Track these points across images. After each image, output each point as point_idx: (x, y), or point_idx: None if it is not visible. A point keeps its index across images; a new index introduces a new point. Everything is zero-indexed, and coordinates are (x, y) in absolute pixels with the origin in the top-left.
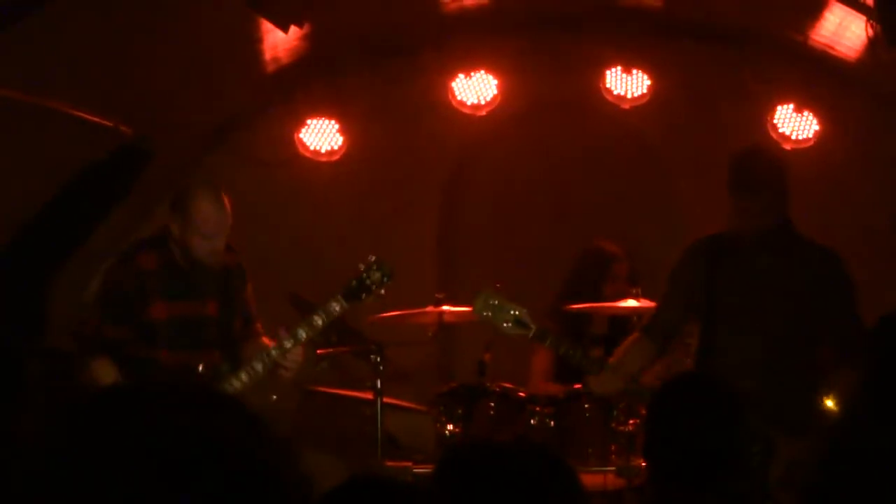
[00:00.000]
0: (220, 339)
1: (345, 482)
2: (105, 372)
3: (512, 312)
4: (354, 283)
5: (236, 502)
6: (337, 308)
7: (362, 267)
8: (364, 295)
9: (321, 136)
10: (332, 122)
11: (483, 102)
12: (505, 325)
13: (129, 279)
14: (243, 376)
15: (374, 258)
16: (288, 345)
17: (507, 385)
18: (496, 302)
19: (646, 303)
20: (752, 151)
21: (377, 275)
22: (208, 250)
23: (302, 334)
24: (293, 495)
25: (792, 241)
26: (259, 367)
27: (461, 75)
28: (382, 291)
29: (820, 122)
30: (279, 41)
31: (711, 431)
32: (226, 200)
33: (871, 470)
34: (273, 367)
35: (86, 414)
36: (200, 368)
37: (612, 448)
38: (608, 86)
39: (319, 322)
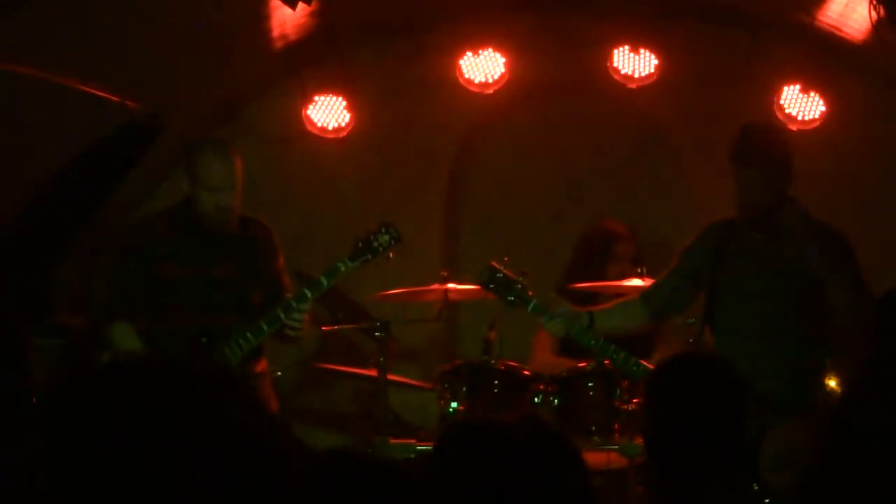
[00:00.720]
0: (235, 303)
1: (321, 456)
2: (126, 337)
3: (517, 286)
4: (361, 244)
5: (225, 476)
6: (342, 268)
7: (371, 229)
8: (370, 256)
9: (328, 113)
10: (340, 99)
11: (491, 81)
12: (509, 298)
13: (142, 242)
14: (249, 335)
15: (384, 223)
16: (294, 304)
17: (512, 363)
18: (501, 275)
19: (651, 282)
20: (756, 124)
21: (385, 237)
22: (215, 205)
23: (307, 294)
24: (283, 468)
25: (798, 221)
26: (265, 325)
27: (469, 53)
28: (390, 254)
29: (826, 104)
30: (287, 17)
31: (709, 412)
32: (235, 157)
33: (872, 448)
34: (279, 329)
35: (78, 394)
36: (204, 340)
37: (616, 427)
38: (615, 65)
39: (325, 282)
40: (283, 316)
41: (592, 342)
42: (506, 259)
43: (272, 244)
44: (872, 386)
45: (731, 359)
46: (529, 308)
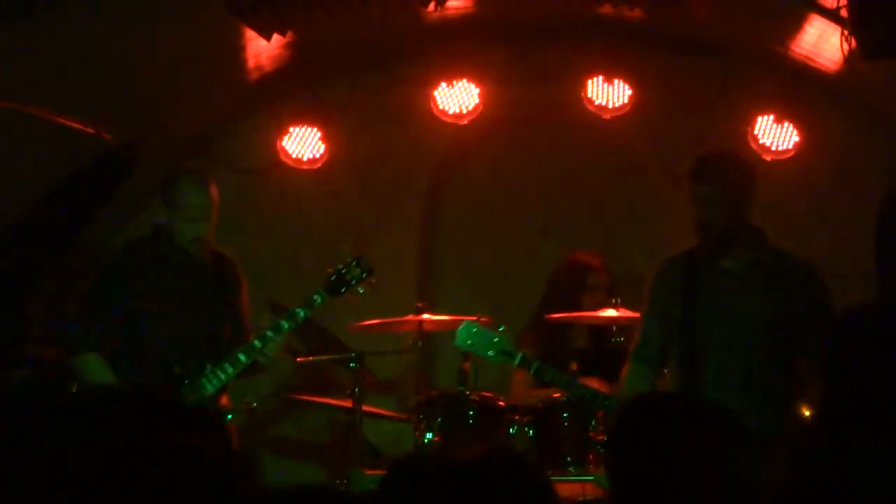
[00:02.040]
0: (209, 335)
1: (283, 493)
2: (96, 368)
3: (495, 340)
4: (334, 276)
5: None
6: (318, 300)
7: (342, 263)
8: (343, 289)
9: (303, 144)
10: (315, 130)
11: (465, 111)
12: (489, 353)
13: (117, 274)
14: (227, 367)
15: (355, 256)
16: (270, 335)
17: (487, 394)
18: (477, 331)
19: (626, 312)
20: (718, 149)
21: (356, 270)
22: (192, 236)
23: (284, 325)
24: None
25: (763, 252)
26: (242, 357)
27: (443, 84)
28: (361, 289)
29: (800, 134)
30: (262, 49)
31: (669, 448)
32: (211, 187)
33: (840, 474)
34: (254, 361)
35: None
36: (177, 370)
37: (591, 457)
38: (589, 95)
39: (301, 314)
40: (259, 346)
41: (587, 396)
42: (479, 317)
43: (238, 279)
44: (833, 409)
45: (712, 391)
46: (516, 362)
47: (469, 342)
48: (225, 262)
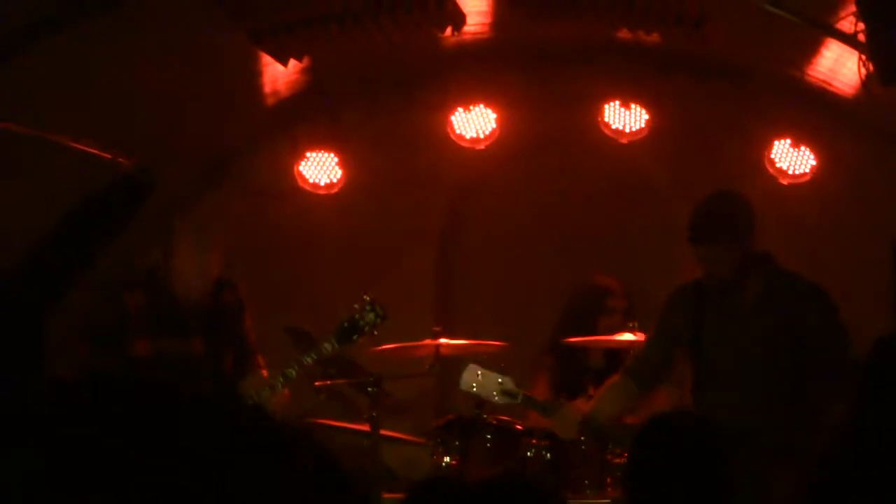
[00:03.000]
0: (210, 374)
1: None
2: None
3: (498, 381)
4: (346, 324)
5: None
6: (329, 348)
7: (356, 307)
8: (356, 336)
9: (320, 169)
10: (332, 155)
11: (482, 136)
12: (494, 396)
13: (113, 316)
14: None
15: (368, 298)
16: (278, 385)
17: (504, 418)
18: (481, 375)
19: (642, 336)
20: (706, 200)
21: (370, 315)
22: (184, 291)
23: (292, 373)
24: None
25: (772, 279)
26: (264, 395)
27: (460, 109)
28: (375, 332)
29: (817, 157)
30: (279, 74)
31: (692, 472)
32: (213, 245)
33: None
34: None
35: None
36: None
37: (608, 480)
38: (606, 120)
39: (310, 361)
40: (264, 396)
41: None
42: (483, 357)
43: (241, 307)
44: (855, 433)
45: (728, 417)
46: (520, 401)
47: (473, 386)
48: (226, 292)
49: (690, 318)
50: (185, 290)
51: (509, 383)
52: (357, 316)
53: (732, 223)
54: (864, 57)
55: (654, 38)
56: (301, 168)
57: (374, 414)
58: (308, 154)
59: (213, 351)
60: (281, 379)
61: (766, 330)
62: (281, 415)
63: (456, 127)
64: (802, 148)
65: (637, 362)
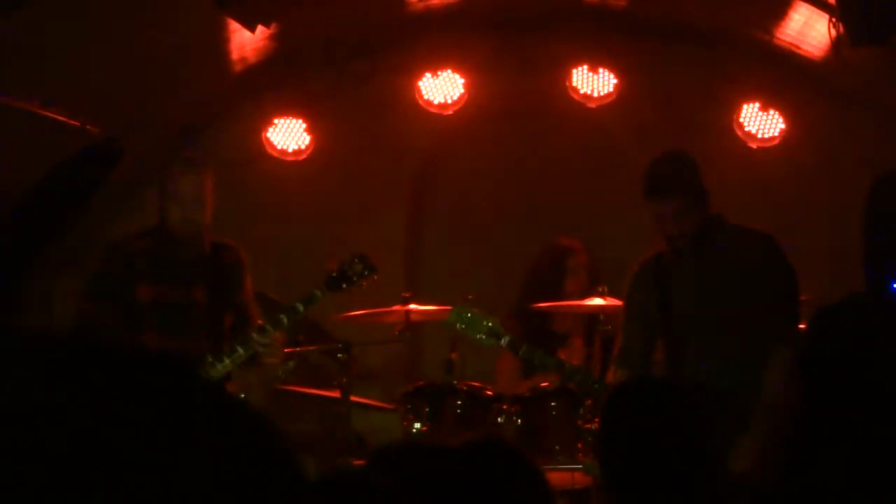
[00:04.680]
0: (208, 327)
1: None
2: None
3: (486, 324)
4: (335, 274)
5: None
6: (319, 295)
7: (344, 259)
8: (345, 285)
9: (288, 135)
10: (300, 121)
11: (450, 102)
12: (479, 336)
13: (117, 262)
14: (226, 360)
15: (359, 253)
16: (270, 328)
17: (474, 384)
18: (470, 314)
19: (612, 301)
20: (662, 157)
21: (359, 266)
22: (180, 218)
23: (284, 320)
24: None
25: (725, 236)
26: (241, 349)
27: (428, 74)
28: (363, 284)
29: (785, 121)
30: (246, 41)
31: (661, 434)
32: (207, 174)
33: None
34: (254, 354)
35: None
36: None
37: (579, 446)
38: (574, 84)
39: (301, 308)
40: (258, 339)
41: (582, 380)
42: (470, 297)
43: (242, 267)
44: (801, 414)
45: (705, 377)
46: (505, 344)
47: (461, 324)
48: (226, 252)
49: (655, 291)
50: (180, 214)
51: (497, 325)
52: (346, 266)
53: (690, 178)
54: (834, 18)
55: (622, 2)
56: (269, 134)
57: (343, 380)
58: (276, 120)
59: (214, 302)
60: (274, 323)
61: (726, 285)
62: (277, 357)
63: (424, 92)
64: (771, 112)
65: (622, 352)
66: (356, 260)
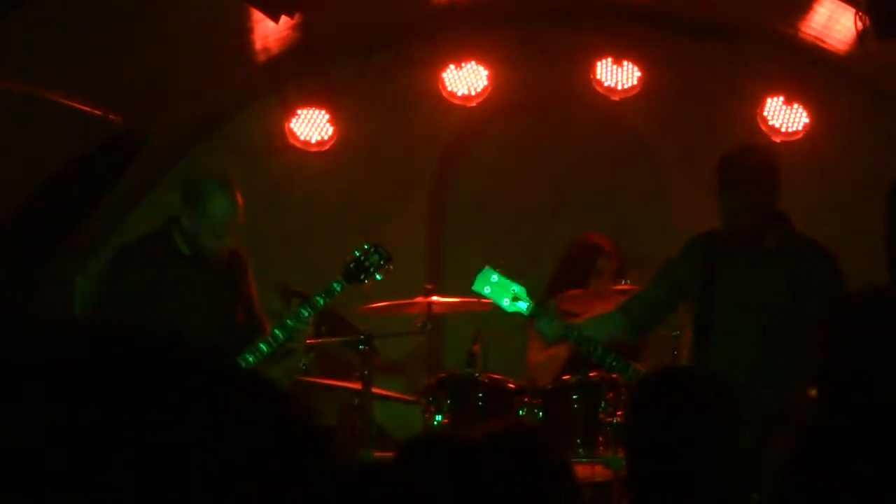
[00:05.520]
0: (224, 326)
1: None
2: None
3: (512, 289)
4: (353, 265)
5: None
6: (337, 288)
7: (359, 251)
8: (363, 276)
9: (311, 126)
10: (323, 112)
11: (473, 93)
12: (504, 301)
13: (132, 267)
14: (248, 357)
15: (373, 243)
16: (290, 323)
17: (496, 376)
18: (497, 279)
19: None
20: (739, 150)
21: (375, 257)
22: (217, 248)
23: (305, 313)
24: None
25: (786, 239)
26: (263, 346)
27: (451, 66)
28: (379, 276)
29: (809, 115)
30: (270, 31)
31: (693, 428)
32: (238, 198)
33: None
34: (276, 348)
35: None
36: None
37: (601, 439)
38: (598, 77)
39: (321, 302)
40: (280, 335)
41: (591, 349)
42: (501, 262)
43: (243, 262)
44: (823, 397)
45: (729, 370)
46: (528, 312)
47: (486, 288)
48: (237, 258)
49: (701, 269)
50: (218, 244)
51: (523, 293)
52: (362, 257)
53: (766, 174)
54: (859, 11)
55: None
56: (292, 125)
57: (365, 372)
58: (299, 111)
59: (228, 304)
60: (295, 318)
61: (774, 286)
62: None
63: (447, 84)
64: (795, 105)
65: (630, 299)
66: (372, 250)
